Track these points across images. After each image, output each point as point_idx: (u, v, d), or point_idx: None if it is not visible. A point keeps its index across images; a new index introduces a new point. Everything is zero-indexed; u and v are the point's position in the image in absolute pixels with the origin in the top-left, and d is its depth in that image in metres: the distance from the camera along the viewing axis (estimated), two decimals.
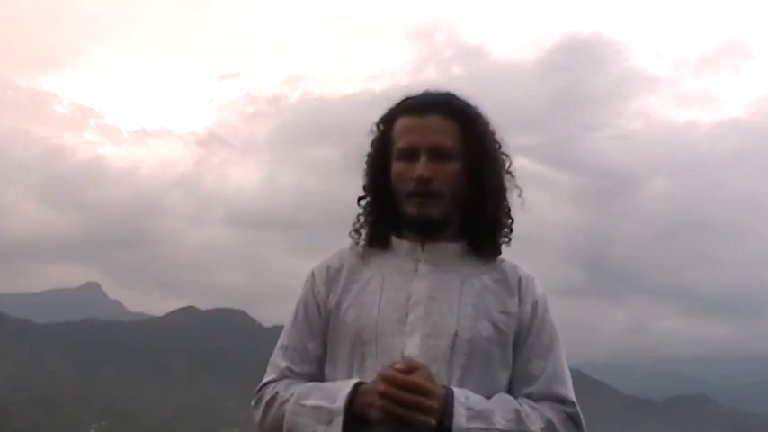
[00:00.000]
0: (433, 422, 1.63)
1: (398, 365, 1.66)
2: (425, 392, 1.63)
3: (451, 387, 1.70)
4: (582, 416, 1.82)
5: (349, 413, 1.69)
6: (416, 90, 1.90)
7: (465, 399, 1.68)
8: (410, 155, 1.80)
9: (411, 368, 1.65)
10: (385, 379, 1.64)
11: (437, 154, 1.79)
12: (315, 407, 1.73)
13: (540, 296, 1.87)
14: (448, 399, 1.66)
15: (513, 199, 1.88)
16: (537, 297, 1.86)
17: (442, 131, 1.81)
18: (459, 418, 1.65)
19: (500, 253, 1.88)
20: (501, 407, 1.72)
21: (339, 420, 1.68)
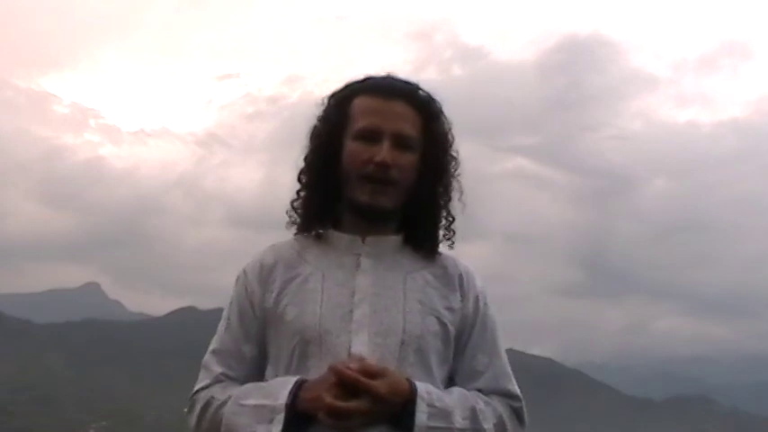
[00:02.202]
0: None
1: (353, 365, 1.61)
2: (378, 397, 1.60)
3: (414, 382, 1.66)
4: (525, 411, 1.81)
5: (292, 410, 1.63)
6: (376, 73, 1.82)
7: (427, 395, 1.65)
8: (371, 137, 1.73)
9: (369, 370, 1.61)
10: (339, 372, 1.59)
11: (400, 142, 1.73)
12: (255, 406, 1.68)
13: (481, 290, 1.84)
14: (411, 395, 1.63)
15: (455, 203, 1.83)
16: (478, 292, 1.83)
17: (406, 119, 1.75)
18: (422, 415, 1.62)
19: (437, 249, 1.84)
20: (459, 404, 1.70)
21: (281, 418, 1.63)
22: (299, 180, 1.82)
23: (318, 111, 1.83)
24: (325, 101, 1.82)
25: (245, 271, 1.83)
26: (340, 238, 1.79)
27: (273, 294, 1.77)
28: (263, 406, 1.67)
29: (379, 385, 1.60)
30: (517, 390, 1.82)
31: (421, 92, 1.80)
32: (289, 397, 1.64)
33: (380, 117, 1.74)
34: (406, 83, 1.81)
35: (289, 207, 1.84)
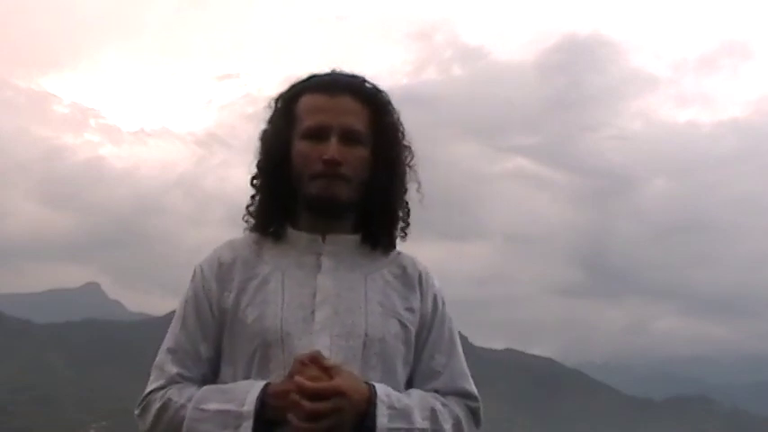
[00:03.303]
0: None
1: (305, 358, 1.59)
2: (343, 394, 1.57)
3: (373, 384, 1.64)
4: (482, 410, 1.81)
5: (260, 416, 1.59)
6: (322, 70, 1.80)
7: (387, 397, 1.64)
8: (318, 135, 1.70)
9: (325, 364, 1.59)
10: (302, 389, 1.55)
11: (348, 137, 1.71)
12: (219, 411, 1.63)
13: (439, 290, 1.83)
14: (371, 398, 1.62)
15: (412, 194, 1.81)
16: (436, 291, 1.82)
17: (353, 114, 1.72)
18: (382, 418, 1.61)
19: (395, 246, 1.82)
20: (418, 404, 1.69)
21: (249, 425, 1.59)
22: (253, 185, 1.79)
23: (266, 114, 1.80)
24: (272, 103, 1.80)
25: (201, 267, 1.78)
26: (299, 236, 1.76)
27: (232, 294, 1.72)
28: (228, 411, 1.62)
29: (340, 382, 1.58)
30: (474, 390, 1.81)
31: (367, 84, 1.78)
32: (257, 402, 1.60)
33: (326, 114, 1.71)
34: (352, 77, 1.78)
35: (245, 212, 1.80)
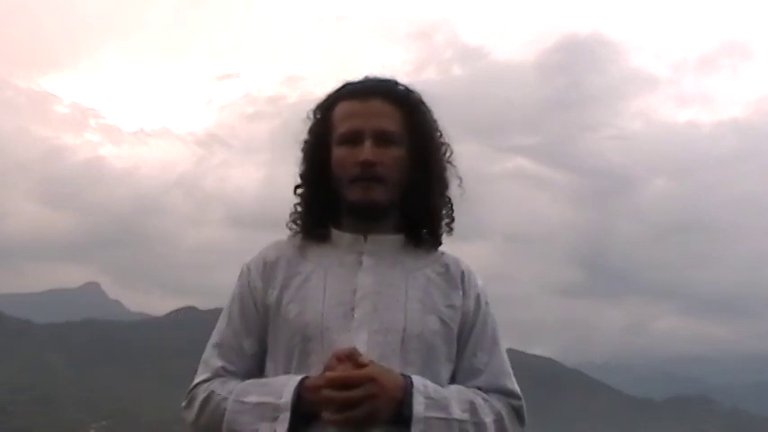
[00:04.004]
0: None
1: (341, 354, 1.63)
2: (374, 380, 1.60)
3: (409, 375, 1.67)
4: (525, 410, 1.83)
5: (296, 409, 1.64)
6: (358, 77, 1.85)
7: (423, 387, 1.66)
8: (353, 139, 1.75)
9: (355, 359, 1.62)
10: (332, 379, 1.60)
11: (382, 138, 1.74)
12: (258, 404, 1.68)
13: (482, 289, 1.86)
14: (407, 387, 1.64)
15: (453, 189, 1.83)
16: (479, 290, 1.84)
17: (385, 116, 1.76)
18: (419, 406, 1.63)
19: (440, 244, 1.85)
20: (456, 396, 1.71)
21: (286, 416, 1.63)
22: (296, 194, 1.84)
23: (306, 125, 1.85)
24: (310, 114, 1.85)
25: (248, 267, 1.84)
26: (341, 237, 1.80)
27: (276, 291, 1.77)
28: (266, 404, 1.67)
29: (371, 369, 1.62)
30: (517, 388, 1.83)
31: (398, 86, 1.81)
32: (293, 395, 1.64)
33: (360, 118, 1.75)
34: (383, 81, 1.82)
35: (289, 221, 1.85)
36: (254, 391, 1.70)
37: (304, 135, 1.85)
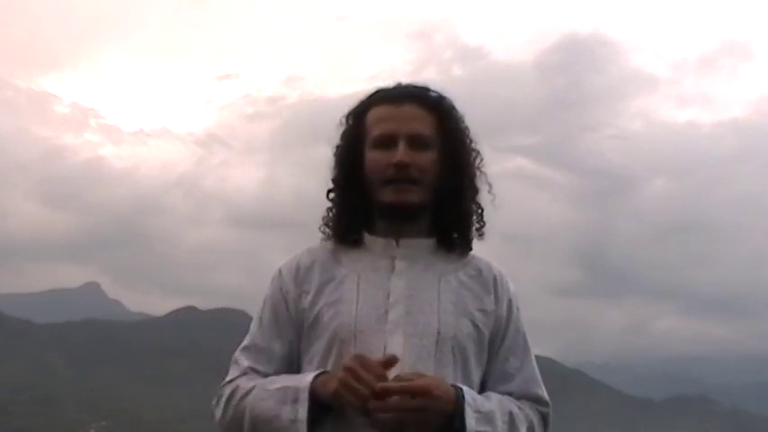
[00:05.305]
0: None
1: (382, 359, 1.64)
2: (429, 394, 1.61)
3: (460, 386, 1.69)
4: (551, 416, 1.87)
5: (314, 395, 1.67)
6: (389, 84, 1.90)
7: (473, 401, 1.68)
8: (387, 143, 1.77)
9: (392, 365, 1.64)
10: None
11: (415, 142, 1.77)
12: (279, 388, 1.71)
13: (514, 294, 1.87)
14: (458, 400, 1.66)
15: (483, 194, 1.86)
16: (511, 295, 1.86)
17: (418, 120, 1.79)
18: (470, 420, 1.65)
19: (471, 249, 1.87)
20: (499, 408, 1.73)
21: (305, 397, 1.66)
22: (329, 198, 1.87)
23: (338, 131, 1.88)
24: (342, 120, 1.88)
25: (280, 271, 1.87)
26: (374, 241, 1.83)
27: (310, 295, 1.80)
28: (287, 387, 1.70)
29: (428, 381, 1.63)
30: (546, 395, 1.86)
31: (431, 92, 1.85)
32: (313, 379, 1.69)
33: (393, 122, 1.78)
34: (415, 86, 1.87)
35: (322, 225, 1.88)
36: (278, 381, 1.75)
37: (336, 140, 1.88)
